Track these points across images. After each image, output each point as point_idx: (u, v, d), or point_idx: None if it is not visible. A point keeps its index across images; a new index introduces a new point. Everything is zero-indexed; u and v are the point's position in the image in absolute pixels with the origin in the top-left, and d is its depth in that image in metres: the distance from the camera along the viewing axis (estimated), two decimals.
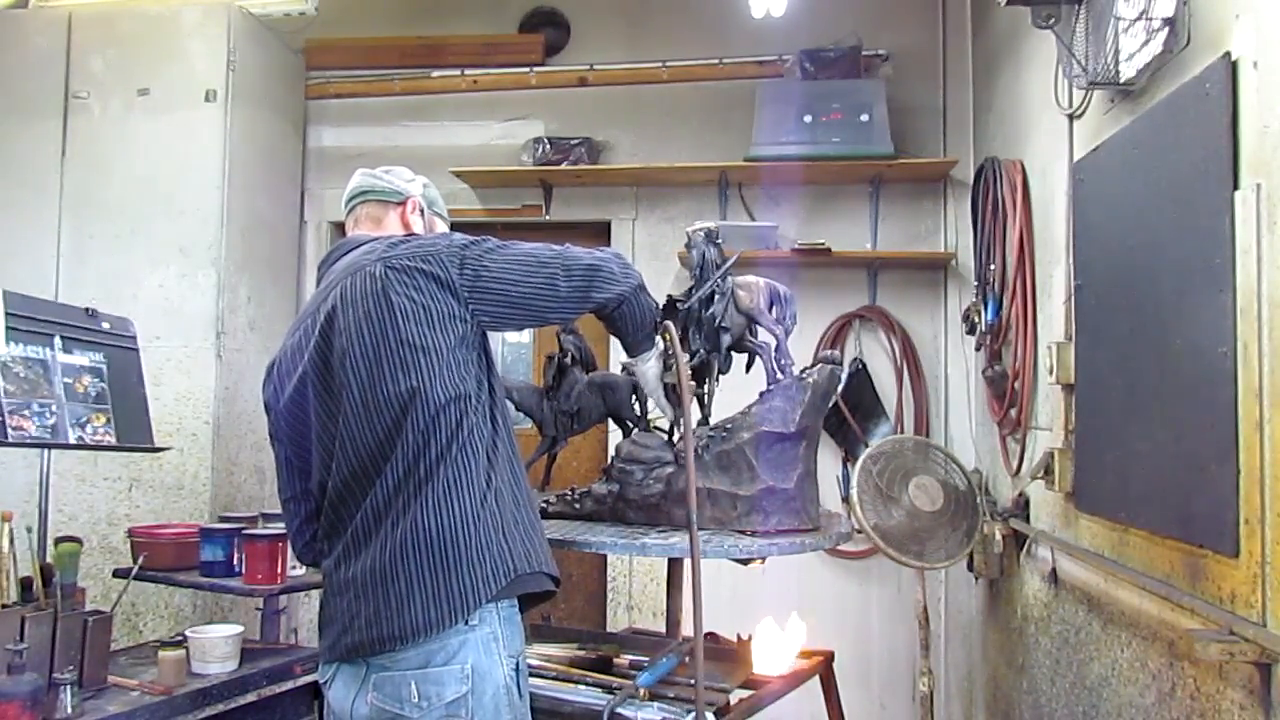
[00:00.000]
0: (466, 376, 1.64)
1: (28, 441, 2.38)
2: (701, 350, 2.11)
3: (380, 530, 1.59)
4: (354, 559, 1.61)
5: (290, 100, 4.19)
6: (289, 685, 2.48)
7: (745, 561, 2.03)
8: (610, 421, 2.47)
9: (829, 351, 2.50)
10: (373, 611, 1.57)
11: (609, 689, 1.99)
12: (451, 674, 1.56)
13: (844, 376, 2.61)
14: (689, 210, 4.05)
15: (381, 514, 1.59)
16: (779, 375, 2.11)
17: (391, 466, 1.59)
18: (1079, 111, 2.59)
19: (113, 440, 2.60)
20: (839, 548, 3.90)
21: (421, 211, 1.93)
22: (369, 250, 1.70)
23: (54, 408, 2.43)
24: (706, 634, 2.11)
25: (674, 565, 2.43)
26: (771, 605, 3.86)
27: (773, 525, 1.99)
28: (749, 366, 2.26)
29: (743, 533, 1.99)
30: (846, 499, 3.51)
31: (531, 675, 2.03)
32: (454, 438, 1.60)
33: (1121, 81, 2.19)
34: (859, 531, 2.93)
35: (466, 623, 1.57)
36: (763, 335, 2.19)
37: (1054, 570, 2.75)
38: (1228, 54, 1.79)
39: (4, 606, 2.04)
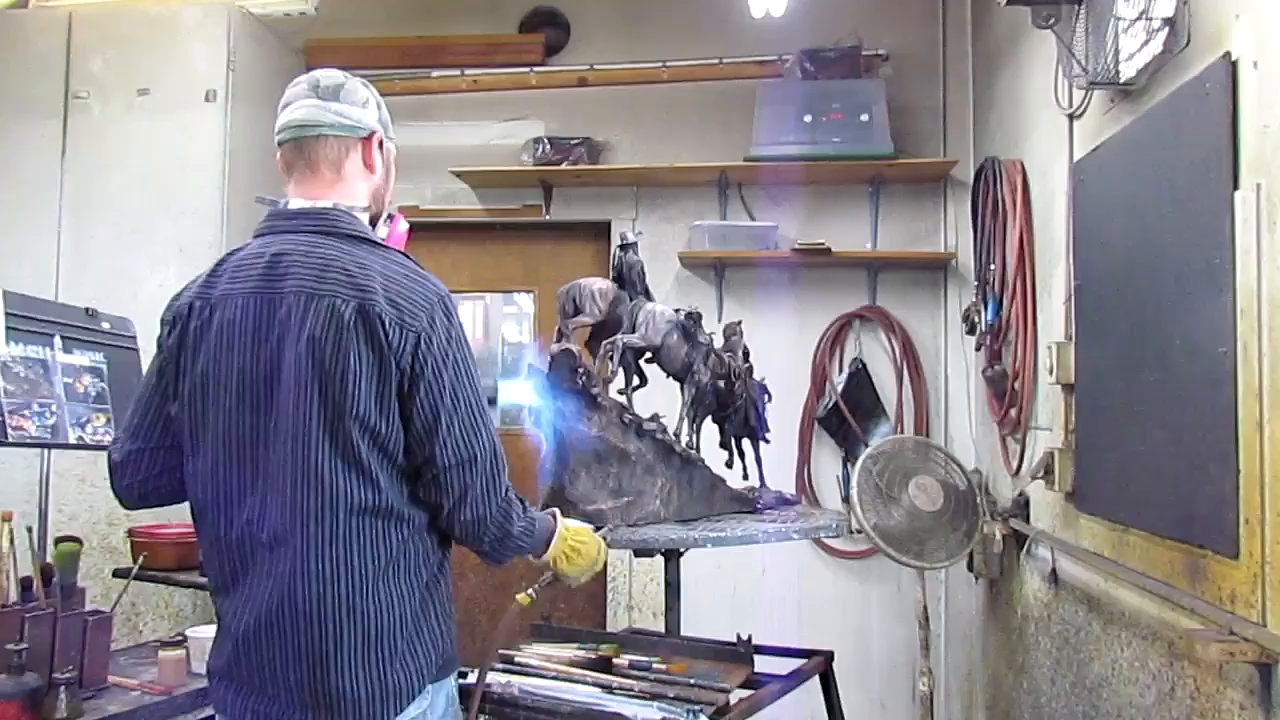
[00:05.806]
0: None
1: (28, 441, 2.37)
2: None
3: None
4: None
5: None
6: None
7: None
8: None
9: None
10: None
11: (609, 688, 1.99)
12: None
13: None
14: (689, 210, 4.05)
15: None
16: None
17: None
18: (1079, 111, 2.58)
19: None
20: (839, 548, 3.90)
21: (381, 144, 1.65)
22: (341, 266, 1.47)
23: (54, 408, 2.43)
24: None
25: (671, 565, 2.43)
26: (772, 605, 3.89)
27: None
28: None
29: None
30: (846, 499, 3.51)
31: (531, 675, 2.03)
32: None
33: (1121, 81, 2.19)
34: (859, 531, 2.93)
35: None
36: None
37: (1054, 570, 2.75)
38: (1228, 54, 1.79)
39: (4, 606, 2.04)
